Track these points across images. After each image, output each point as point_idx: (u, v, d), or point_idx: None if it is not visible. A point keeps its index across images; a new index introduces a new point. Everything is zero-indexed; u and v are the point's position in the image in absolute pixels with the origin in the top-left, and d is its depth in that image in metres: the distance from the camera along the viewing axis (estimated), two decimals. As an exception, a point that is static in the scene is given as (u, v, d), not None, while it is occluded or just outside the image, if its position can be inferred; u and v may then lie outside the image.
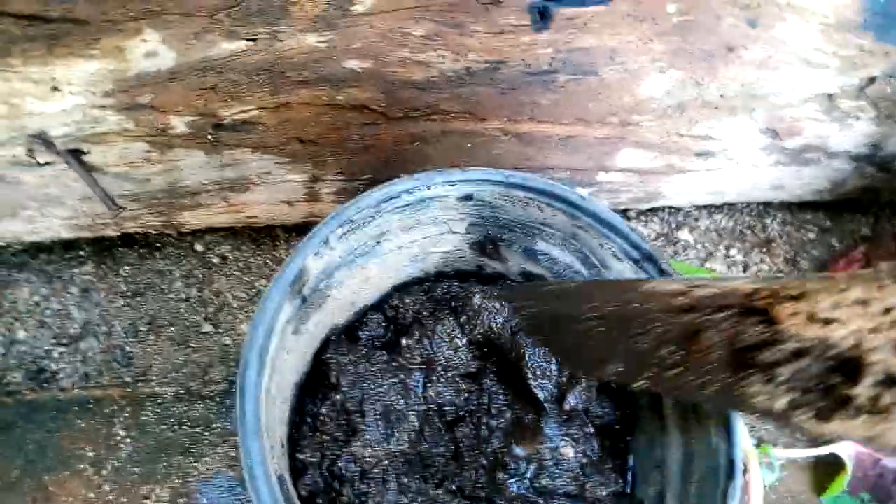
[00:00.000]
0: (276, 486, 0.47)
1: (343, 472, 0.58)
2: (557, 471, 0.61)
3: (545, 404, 0.60)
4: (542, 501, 0.60)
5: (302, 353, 0.60)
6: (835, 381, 0.37)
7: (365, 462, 0.57)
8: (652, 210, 1.01)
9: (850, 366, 0.36)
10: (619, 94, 0.76)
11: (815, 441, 0.86)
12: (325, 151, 0.74)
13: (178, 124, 0.68)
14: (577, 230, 0.62)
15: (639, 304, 0.47)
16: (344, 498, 0.57)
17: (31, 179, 0.71)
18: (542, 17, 0.71)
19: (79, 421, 0.74)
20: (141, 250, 0.88)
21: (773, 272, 0.99)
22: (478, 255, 0.67)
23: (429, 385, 0.61)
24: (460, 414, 0.61)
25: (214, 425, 0.76)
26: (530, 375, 0.60)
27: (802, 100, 0.81)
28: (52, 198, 0.73)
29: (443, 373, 0.62)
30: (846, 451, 0.84)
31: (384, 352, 0.62)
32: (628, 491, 0.63)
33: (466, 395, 0.62)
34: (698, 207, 1.02)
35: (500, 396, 0.62)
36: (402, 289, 0.67)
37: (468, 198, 0.61)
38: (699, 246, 1.00)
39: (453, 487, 0.60)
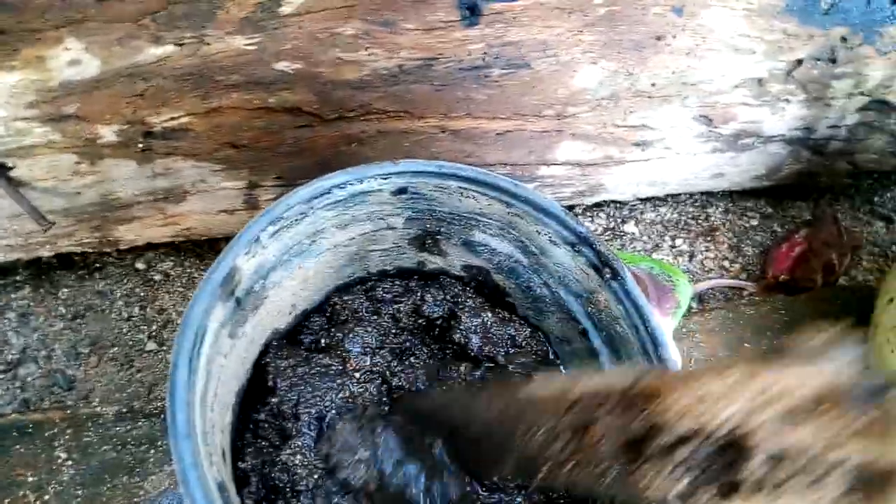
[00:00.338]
0: (213, 489, 0.46)
1: (276, 481, 0.56)
2: None
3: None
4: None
5: (241, 359, 0.59)
6: (727, 461, 0.38)
7: (296, 472, 0.56)
8: (597, 205, 1.02)
9: (736, 447, 0.38)
10: (553, 87, 0.77)
11: None
12: (261, 156, 0.73)
13: (107, 134, 0.67)
14: (513, 218, 0.62)
15: (523, 406, 0.48)
16: None
17: (-44, 199, 0.69)
18: (471, 13, 0.71)
19: (17, 447, 0.71)
20: (80, 272, 0.86)
21: (718, 260, 1.00)
22: (418, 251, 0.67)
23: (366, 385, 0.61)
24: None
25: (160, 443, 0.74)
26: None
27: (732, 85, 0.83)
28: (-21, 217, 0.71)
29: (381, 371, 0.61)
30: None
31: (323, 354, 0.61)
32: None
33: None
34: (643, 201, 1.03)
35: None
36: (343, 290, 0.66)
37: (402, 191, 0.61)
38: (645, 238, 1.01)
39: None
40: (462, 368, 0.64)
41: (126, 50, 0.63)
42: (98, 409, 0.74)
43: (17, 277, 0.85)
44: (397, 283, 0.68)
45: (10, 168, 0.66)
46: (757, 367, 0.38)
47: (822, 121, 0.90)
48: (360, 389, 0.62)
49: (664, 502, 0.41)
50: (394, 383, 0.63)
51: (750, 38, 0.80)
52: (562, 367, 0.66)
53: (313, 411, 0.59)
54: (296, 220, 0.57)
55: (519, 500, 0.59)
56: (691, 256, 1.00)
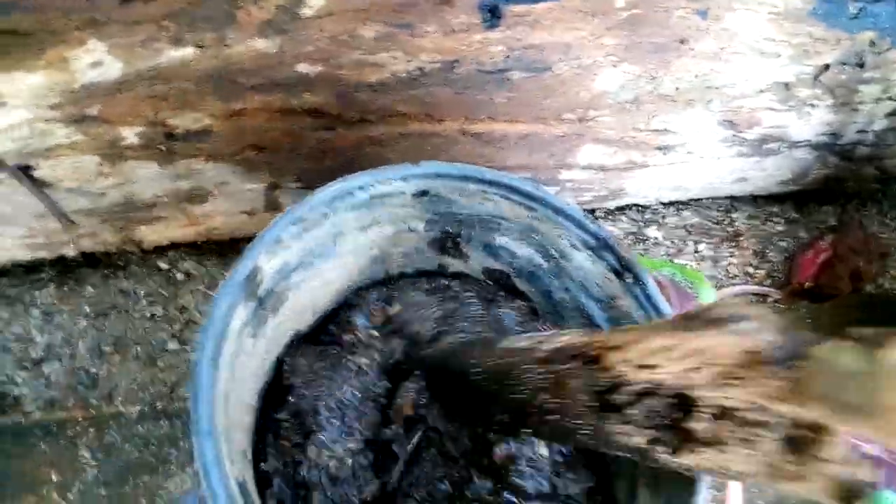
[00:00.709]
0: (234, 487, 0.46)
1: (306, 478, 0.56)
2: (530, 469, 0.60)
3: None
4: (515, 500, 0.59)
5: (262, 359, 0.59)
6: (677, 416, 0.42)
7: (328, 465, 0.56)
8: (619, 209, 1.01)
9: (684, 402, 0.41)
10: (574, 90, 0.76)
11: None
12: (282, 158, 0.74)
13: (129, 135, 0.68)
14: (534, 222, 0.61)
15: (510, 358, 0.52)
16: None
17: (-18, 199, 0.70)
18: (492, 15, 0.71)
19: (41, 445, 0.72)
20: (104, 270, 0.87)
21: (742, 266, 0.99)
22: (438, 253, 0.67)
23: (385, 373, 0.61)
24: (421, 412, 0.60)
25: (182, 443, 0.74)
26: None
27: (758, 90, 0.82)
28: (5, 217, 0.72)
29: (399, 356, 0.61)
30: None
31: (338, 347, 0.61)
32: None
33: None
34: (665, 204, 1.02)
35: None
36: (362, 290, 0.66)
37: (424, 193, 0.61)
38: (668, 242, 1.00)
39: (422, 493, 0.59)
40: None
41: (148, 52, 0.64)
42: (121, 408, 0.74)
43: (43, 275, 0.86)
44: (418, 283, 0.68)
45: (34, 169, 0.67)
46: (687, 330, 0.40)
47: (850, 126, 0.88)
48: (369, 362, 0.61)
49: (633, 450, 0.45)
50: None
51: (776, 42, 0.79)
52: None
53: (332, 402, 0.59)
54: (318, 220, 0.57)
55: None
56: (715, 262, 0.99)
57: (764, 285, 0.98)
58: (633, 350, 0.43)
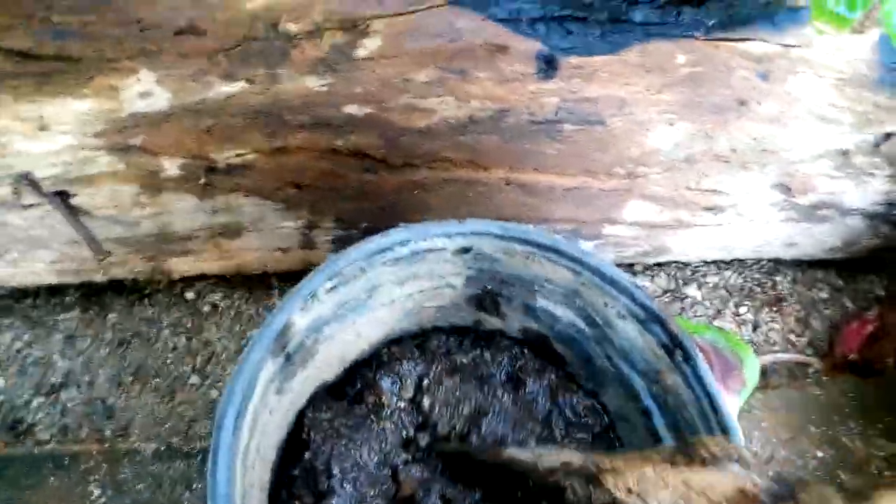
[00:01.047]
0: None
1: None
2: None
3: None
4: None
5: (285, 413, 0.57)
6: None
7: None
8: (658, 264, 0.98)
9: None
10: (626, 145, 0.74)
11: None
12: (322, 198, 0.72)
13: (170, 167, 0.66)
14: (579, 287, 0.59)
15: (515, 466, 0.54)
16: None
17: (16, 221, 0.68)
18: (548, 66, 0.69)
19: (52, 478, 0.70)
20: (129, 297, 0.85)
21: (784, 332, 0.95)
22: (476, 310, 0.64)
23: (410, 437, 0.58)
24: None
25: (196, 486, 0.72)
26: None
27: (815, 156, 0.79)
28: (37, 240, 0.70)
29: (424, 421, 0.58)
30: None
31: (364, 405, 0.58)
32: None
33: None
34: (707, 263, 0.99)
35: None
36: (394, 343, 0.64)
37: (466, 251, 0.58)
38: (707, 303, 0.97)
39: None
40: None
41: (198, 85, 0.62)
42: (136, 444, 0.72)
43: (67, 298, 0.84)
44: (452, 338, 0.66)
45: (72, 195, 0.66)
46: (677, 463, 0.44)
47: (907, 197, 0.85)
48: (395, 439, 0.59)
49: None
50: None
51: (838, 109, 0.76)
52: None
53: (347, 465, 0.56)
54: (355, 275, 0.55)
55: None
56: (755, 326, 0.95)
57: (805, 354, 0.94)
58: (628, 476, 0.45)
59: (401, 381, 0.59)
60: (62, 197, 0.65)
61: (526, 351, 0.65)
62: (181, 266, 0.77)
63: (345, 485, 0.55)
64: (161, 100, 0.62)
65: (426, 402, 0.59)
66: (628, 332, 0.59)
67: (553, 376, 0.63)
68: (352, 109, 0.66)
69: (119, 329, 0.83)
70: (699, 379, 0.54)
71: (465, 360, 0.63)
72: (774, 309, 0.97)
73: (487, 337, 0.66)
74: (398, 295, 0.60)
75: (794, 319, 0.97)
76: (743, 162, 0.78)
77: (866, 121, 0.77)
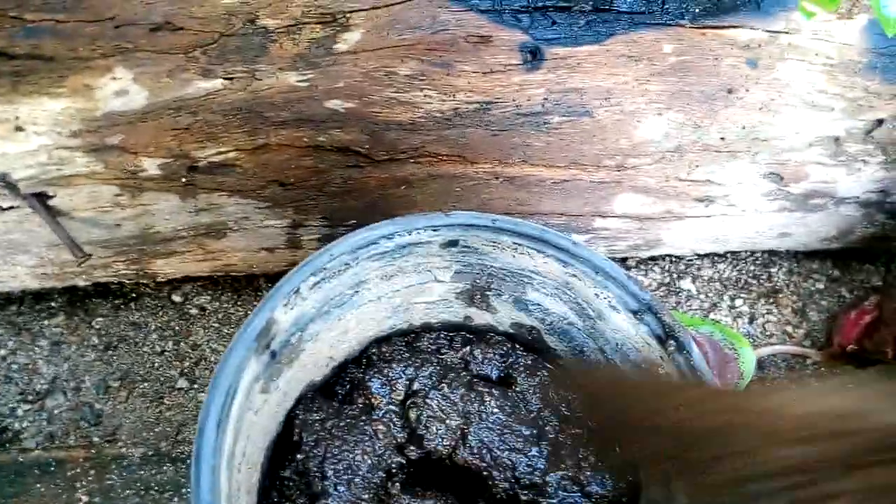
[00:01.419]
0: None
1: None
2: None
3: None
4: None
5: (272, 414, 0.56)
6: None
7: None
8: (652, 259, 0.97)
9: None
10: (614, 137, 0.73)
11: None
12: (307, 195, 0.71)
13: (150, 166, 0.65)
14: (570, 279, 0.57)
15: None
16: None
17: (-6, 225, 0.67)
18: (533, 57, 0.68)
19: (38, 486, 0.69)
20: (115, 301, 0.84)
21: (780, 324, 0.94)
22: (465, 305, 0.63)
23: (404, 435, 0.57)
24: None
25: (184, 490, 0.70)
26: None
27: (807, 143, 0.78)
28: (17, 244, 0.69)
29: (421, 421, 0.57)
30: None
31: (355, 406, 0.57)
32: None
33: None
34: (701, 256, 0.98)
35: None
36: (383, 341, 0.62)
37: (453, 244, 0.57)
38: (702, 296, 0.96)
39: None
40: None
41: (175, 82, 0.61)
42: (123, 449, 0.71)
43: (52, 304, 0.83)
44: (442, 336, 0.64)
45: (50, 197, 0.64)
46: None
47: (901, 184, 0.84)
48: (388, 441, 0.57)
49: None
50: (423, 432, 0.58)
51: (828, 95, 0.75)
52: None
53: (341, 467, 0.55)
54: (339, 270, 0.54)
55: None
56: (752, 319, 0.94)
57: (803, 346, 0.93)
58: None
59: (391, 384, 0.58)
60: (40, 198, 0.64)
61: (517, 347, 0.64)
62: (166, 268, 0.76)
63: (339, 487, 0.54)
64: (138, 98, 0.61)
65: (413, 414, 0.58)
66: (620, 323, 0.57)
67: (545, 372, 0.62)
68: (334, 105, 0.65)
69: (105, 334, 0.82)
70: (693, 369, 0.53)
71: (455, 360, 0.61)
72: (770, 301, 0.96)
73: (478, 333, 0.65)
74: (385, 290, 0.59)
75: (791, 311, 0.96)
76: (733, 151, 0.77)
77: (857, 107, 0.76)
